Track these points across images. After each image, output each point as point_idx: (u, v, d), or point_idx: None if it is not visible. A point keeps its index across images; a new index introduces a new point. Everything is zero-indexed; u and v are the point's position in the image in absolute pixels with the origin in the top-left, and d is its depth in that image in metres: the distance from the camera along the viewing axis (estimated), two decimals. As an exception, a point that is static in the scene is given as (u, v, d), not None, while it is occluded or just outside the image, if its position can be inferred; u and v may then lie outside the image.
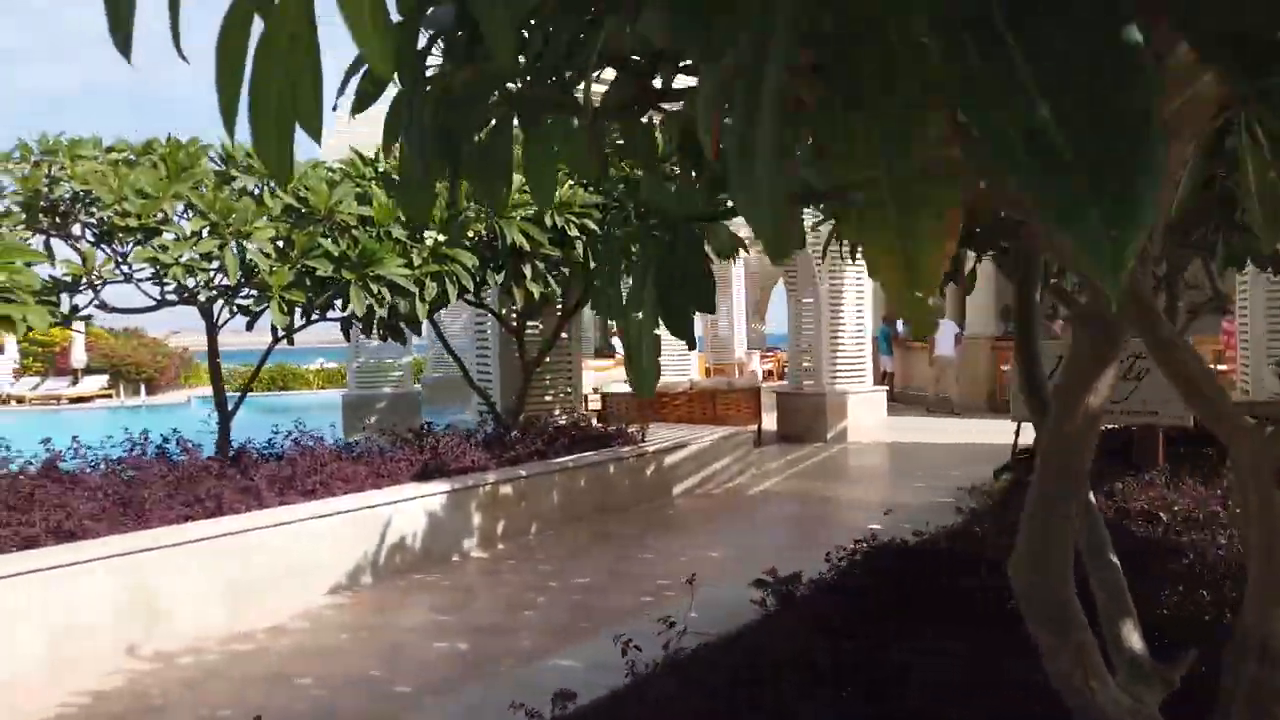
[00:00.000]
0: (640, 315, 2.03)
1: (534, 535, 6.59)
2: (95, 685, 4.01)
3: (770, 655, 2.81)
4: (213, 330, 6.08)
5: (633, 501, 7.48)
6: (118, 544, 4.46)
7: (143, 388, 25.21)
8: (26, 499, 4.75)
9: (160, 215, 4.97)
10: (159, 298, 5.61)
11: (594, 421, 8.93)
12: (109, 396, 25.42)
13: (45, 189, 4.86)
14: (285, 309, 5.28)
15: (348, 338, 6.38)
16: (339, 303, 5.95)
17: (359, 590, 5.36)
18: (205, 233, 5.00)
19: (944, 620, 3.00)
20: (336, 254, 5.43)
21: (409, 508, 5.75)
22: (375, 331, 6.57)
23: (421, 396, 15.14)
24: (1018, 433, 6.62)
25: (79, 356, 25.16)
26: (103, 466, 5.43)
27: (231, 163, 5.70)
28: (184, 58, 0.93)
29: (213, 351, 6.29)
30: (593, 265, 6.61)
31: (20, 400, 24.30)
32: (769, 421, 11.60)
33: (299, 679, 4.03)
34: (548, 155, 1.83)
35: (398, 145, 1.68)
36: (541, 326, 8.59)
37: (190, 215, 5.09)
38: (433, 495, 5.88)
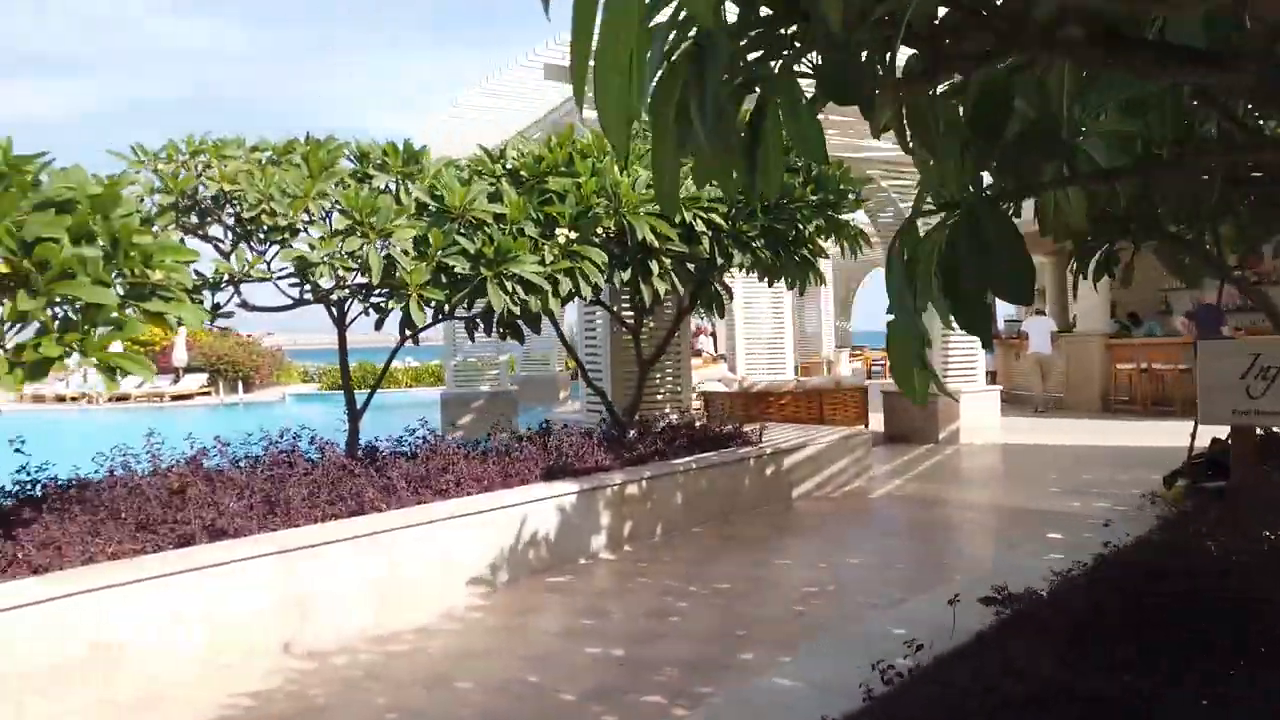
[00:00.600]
0: (906, 309, 1.83)
1: (659, 537, 6.45)
2: (256, 685, 4.00)
3: (1029, 684, 2.56)
4: (343, 330, 6.10)
5: (754, 504, 7.28)
6: (269, 542, 4.47)
7: (240, 386, 26.05)
8: (180, 496, 4.82)
9: (305, 214, 4.98)
10: (294, 297, 5.64)
11: (698, 421, 8.76)
12: (208, 394, 26.34)
13: (192, 189, 4.92)
14: (423, 307, 5.24)
15: (472, 337, 6.33)
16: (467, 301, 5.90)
17: (497, 590, 5.30)
18: (348, 231, 4.99)
19: (1204, 649, 2.70)
20: (473, 251, 5.37)
21: (541, 508, 5.66)
22: (496, 330, 6.53)
23: (515, 395, 15.22)
24: (1194, 436, 6.18)
25: (180, 355, 26.11)
26: (243, 464, 5.50)
27: (366, 161, 5.71)
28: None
29: (343, 350, 6.32)
30: (719, 261, 6.43)
31: (125, 398, 25.38)
32: (874, 422, 11.25)
33: (457, 682, 3.95)
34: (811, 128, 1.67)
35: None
36: (653, 324, 8.46)
37: (332, 214, 5.09)
38: (563, 495, 5.79)
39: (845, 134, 9.17)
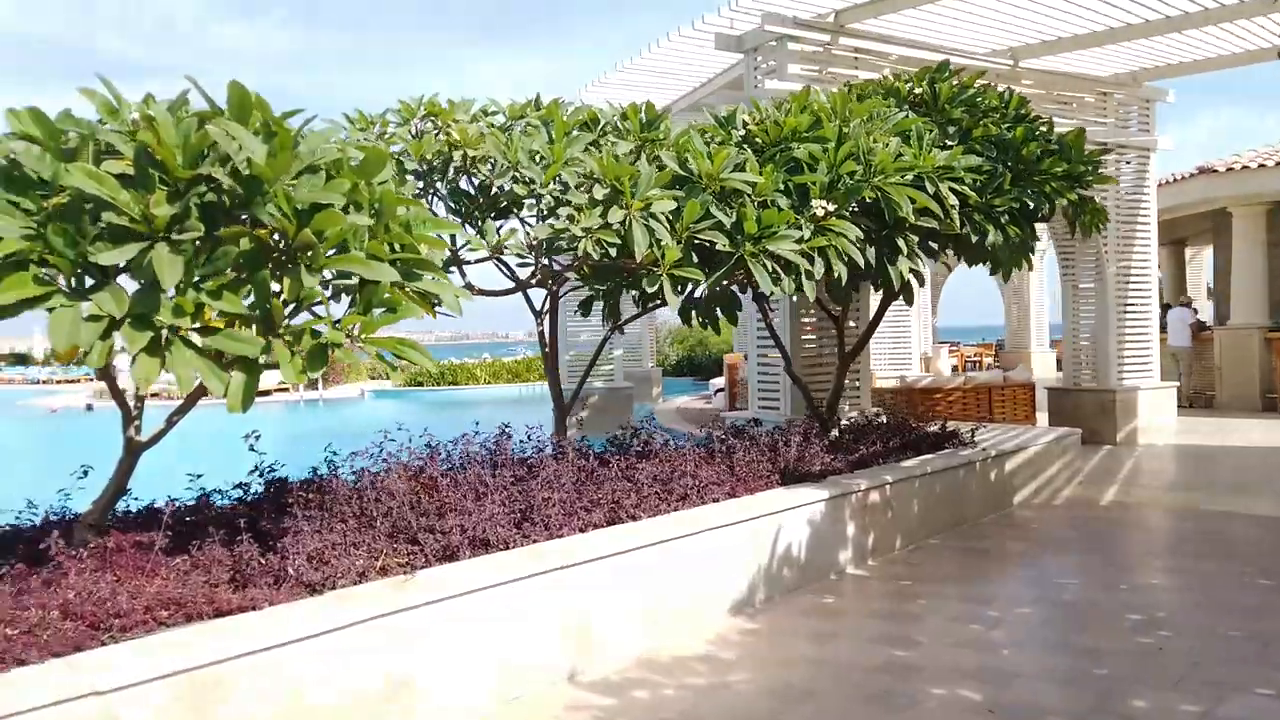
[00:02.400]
0: None
1: (900, 550, 5.76)
2: (557, 724, 3.41)
3: None
4: (556, 317, 5.52)
5: (980, 512, 6.56)
6: (537, 556, 3.87)
7: (320, 382, 25.85)
8: (426, 500, 4.24)
9: (558, 182, 4.37)
10: (517, 279, 5.07)
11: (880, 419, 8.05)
12: (285, 390, 26.15)
13: (434, 155, 4.34)
14: (677, 288, 4.61)
15: (687, 321, 5.70)
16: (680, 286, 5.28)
17: (757, 610, 4.66)
18: (608, 201, 4.37)
19: None
20: (728, 225, 4.73)
21: (791, 518, 5.01)
22: (696, 319, 5.90)
23: (632, 390, 14.62)
24: None
25: (260, 351, 25.93)
26: (466, 465, 4.91)
27: (593, 126, 5.10)
28: None
29: (553, 340, 5.74)
30: (974, 239, 5.72)
31: (206, 394, 25.29)
32: (1040, 420, 10.44)
33: (802, 731, 3.32)
34: None
35: None
36: (812, 315, 7.81)
37: (581, 183, 4.47)
38: (812, 504, 5.13)
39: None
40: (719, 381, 15.63)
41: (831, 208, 4.99)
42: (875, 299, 7.12)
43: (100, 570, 3.34)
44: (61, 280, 3.10)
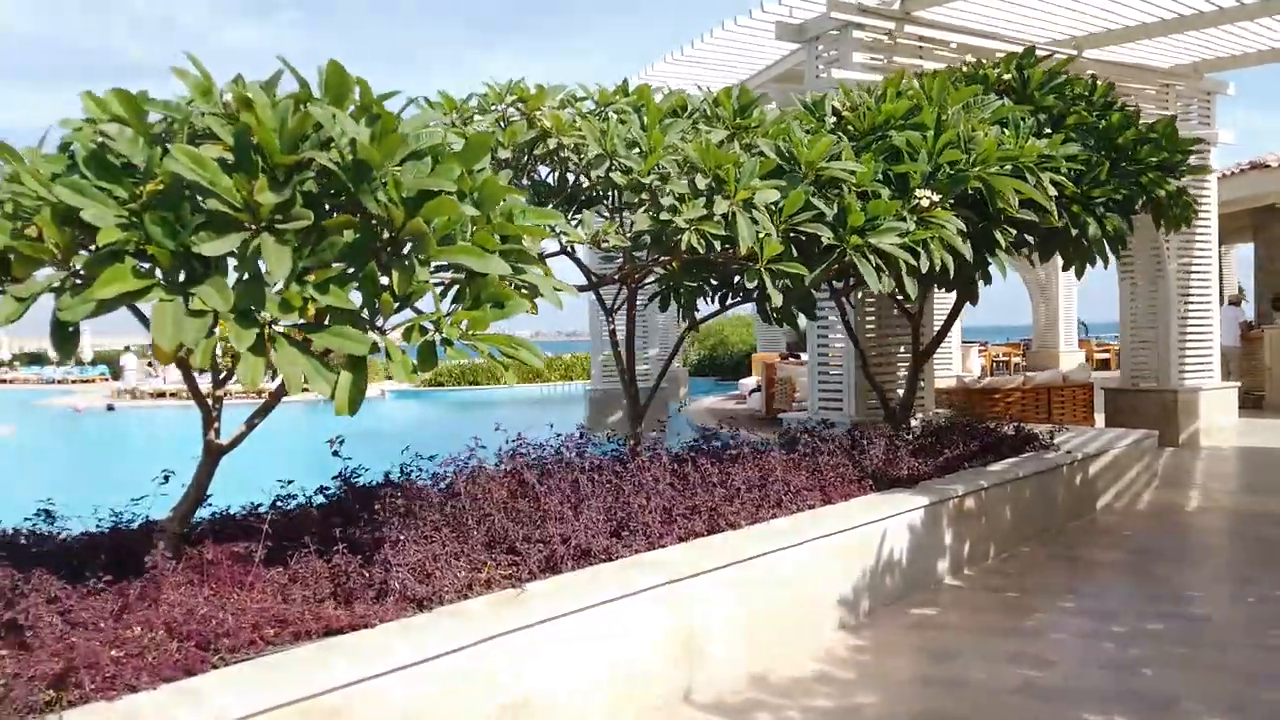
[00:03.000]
0: None
1: (992, 559, 5.48)
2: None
3: None
4: (633, 314, 5.26)
5: (1066, 518, 6.28)
6: (647, 568, 3.61)
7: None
8: (529, 508, 3.97)
9: (657, 171, 4.11)
10: (597, 275, 4.81)
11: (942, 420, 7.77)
12: (306, 390, 25.88)
13: (528, 142, 4.08)
14: (777, 285, 4.35)
15: (767, 318, 5.44)
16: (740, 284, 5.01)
17: (861, 625, 4.39)
18: (710, 192, 4.10)
19: None
20: (830, 217, 4.46)
21: (894, 525, 4.74)
22: (773, 316, 5.65)
23: (668, 390, 14.34)
24: None
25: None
26: (550, 470, 4.65)
27: (681, 112, 4.84)
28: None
29: (629, 339, 5.48)
30: (1074, 232, 5.44)
31: (226, 394, 25.07)
32: (1097, 421, 10.14)
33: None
34: None
35: None
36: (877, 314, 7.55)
37: (680, 172, 4.20)
38: (913, 511, 4.86)
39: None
40: (750, 381, 15.32)
41: (936, 198, 4.72)
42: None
43: (196, 584, 3.09)
44: (158, 273, 2.85)
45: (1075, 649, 3.98)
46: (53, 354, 27.16)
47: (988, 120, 5.27)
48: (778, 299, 4.39)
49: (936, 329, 7.04)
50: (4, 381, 37.30)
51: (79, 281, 2.82)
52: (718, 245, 4.07)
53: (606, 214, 4.85)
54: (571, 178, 4.33)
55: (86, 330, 40.47)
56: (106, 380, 33.04)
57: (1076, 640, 4.09)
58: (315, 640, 2.83)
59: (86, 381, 35.12)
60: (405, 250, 3.10)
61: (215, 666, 2.60)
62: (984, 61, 6.19)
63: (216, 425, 3.62)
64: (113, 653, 2.50)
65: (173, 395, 24.91)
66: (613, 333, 5.65)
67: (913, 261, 4.60)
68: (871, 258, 4.50)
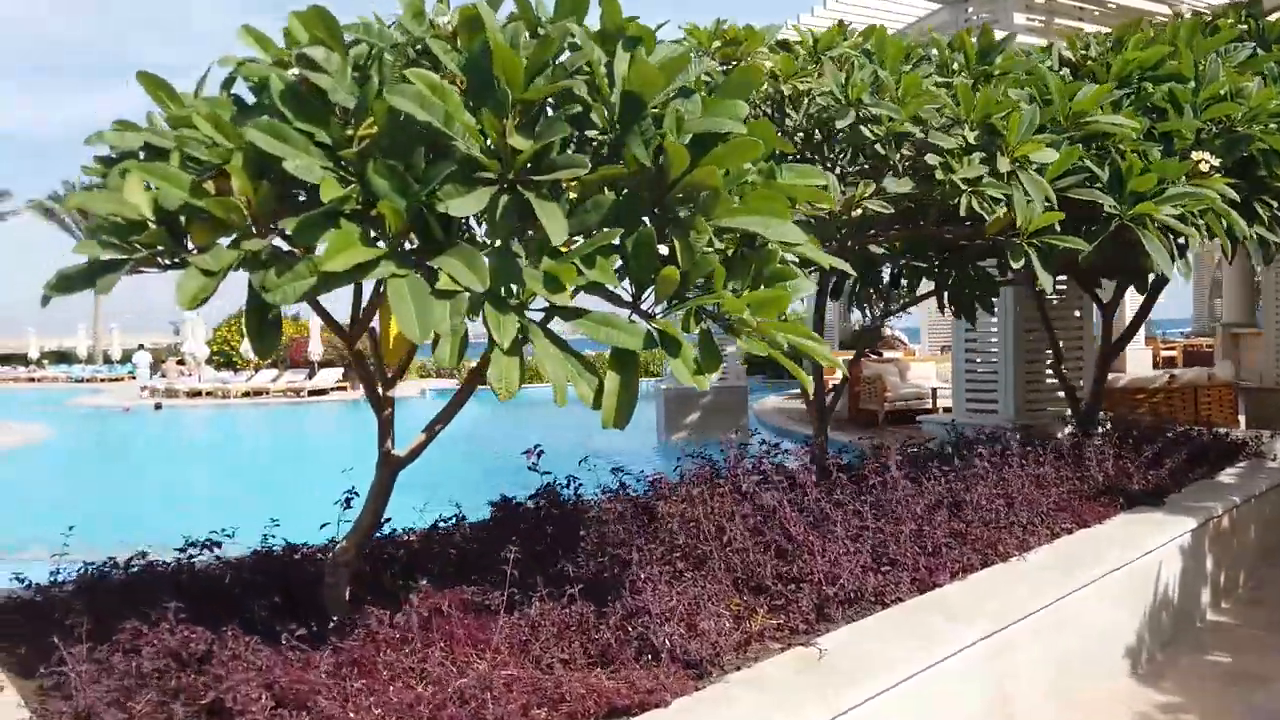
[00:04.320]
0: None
1: (1244, 587, 4.70)
2: None
3: None
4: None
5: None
6: (953, 620, 2.87)
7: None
8: (772, 538, 3.22)
9: (915, 122, 3.34)
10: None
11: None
12: (344, 389, 25.32)
13: (789, 92, 3.34)
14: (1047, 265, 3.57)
15: (942, 308, 4.70)
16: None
17: (1154, 674, 3.62)
18: (986, 147, 3.34)
19: None
20: (1104, 180, 3.69)
21: (1168, 553, 3.97)
22: (947, 307, 4.92)
23: (746, 388, 13.51)
24: None
25: (316, 348, 25.06)
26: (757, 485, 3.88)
27: (908, 59, 4.07)
28: None
29: (817, 327, 4.71)
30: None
31: (263, 393, 24.52)
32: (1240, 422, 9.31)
33: None
34: None
35: None
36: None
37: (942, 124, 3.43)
38: (1182, 535, 4.08)
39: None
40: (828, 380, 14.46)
41: (1216, 161, 3.94)
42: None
43: (416, 640, 2.37)
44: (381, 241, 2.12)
45: None
46: (247, 350, 24.91)
47: (1245, 72, 4.48)
48: (1047, 282, 3.62)
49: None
50: (33, 380, 36.90)
51: (285, 251, 2.10)
52: (999, 211, 3.31)
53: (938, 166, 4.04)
54: (803, 133, 3.56)
55: (115, 326, 40.02)
56: (134, 379, 32.46)
57: None
58: (601, 728, 2.11)
59: (115, 380, 34.63)
60: (680, 213, 2.37)
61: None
62: (1212, 10, 5.39)
63: (392, 434, 2.89)
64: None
65: (209, 394, 24.33)
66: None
67: (1196, 236, 3.82)
68: (1154, 232, 3.73)
